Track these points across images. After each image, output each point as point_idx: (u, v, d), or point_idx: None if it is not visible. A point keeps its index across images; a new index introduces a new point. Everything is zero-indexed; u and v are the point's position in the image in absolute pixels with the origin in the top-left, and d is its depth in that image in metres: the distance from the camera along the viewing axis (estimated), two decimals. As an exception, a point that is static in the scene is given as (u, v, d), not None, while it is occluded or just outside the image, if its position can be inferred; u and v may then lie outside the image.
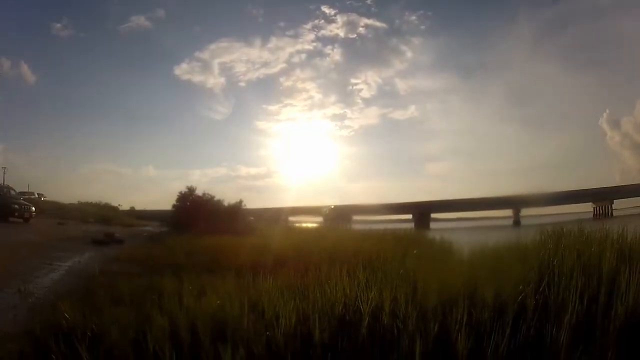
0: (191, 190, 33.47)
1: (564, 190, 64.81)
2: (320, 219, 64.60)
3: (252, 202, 57.93)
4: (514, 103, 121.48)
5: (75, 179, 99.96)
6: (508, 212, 68.00)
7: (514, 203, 65.43)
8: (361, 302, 5.13)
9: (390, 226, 30.46)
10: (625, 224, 8.07)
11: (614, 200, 65.86)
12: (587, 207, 67.68)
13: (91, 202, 57.83)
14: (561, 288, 5.03)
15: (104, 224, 37.38)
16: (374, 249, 12.63)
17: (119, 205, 63.46)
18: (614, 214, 60.90)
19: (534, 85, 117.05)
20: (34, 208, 33.08)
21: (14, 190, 37.01)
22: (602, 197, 66.01)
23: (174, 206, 33.54)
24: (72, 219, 38.37)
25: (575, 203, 64.29)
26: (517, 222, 56.55)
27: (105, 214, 46.66)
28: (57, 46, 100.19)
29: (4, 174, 50.90)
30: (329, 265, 7.39)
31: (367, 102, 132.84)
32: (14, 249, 16.47)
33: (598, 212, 65.77)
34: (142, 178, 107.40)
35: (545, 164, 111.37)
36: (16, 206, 31.07)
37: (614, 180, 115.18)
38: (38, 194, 56.96)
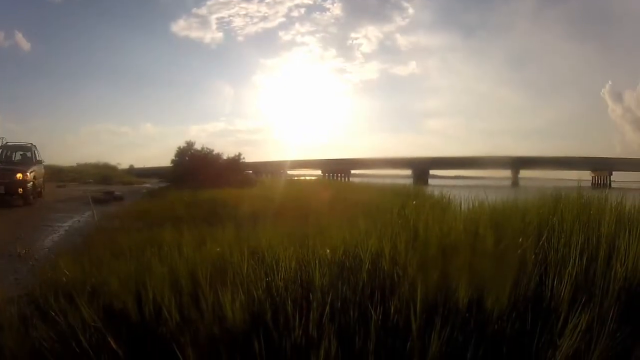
0: (190, 145, 33.34)
1: (563, 155, 64.67)
2: (319, 172, 64.76)
3: (252, 156, 57.66)
4: (514, 66, 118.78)
5: (74, 141, 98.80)
6: (506, 173, 67.78)
7: (513, 164, 65.27)
8: (361, 249, 5.11)
9: (388, 181, 30.60)
10: (623, 194, 8.02)
11: (613, 172, 65.68)
12: (585, 176, 67.35)
13: (90, 163, 57.65)
14: (560, 244, 5.02)
15: (104, 184, 37.57)
16: (373, 200, 12.65)
17: (118, 164, 63.27)
18: (612, 185, 60.77)
19: (536, 50, 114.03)
20: (30, 174, 20.47)
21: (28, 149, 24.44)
22: (603, 166, 65.80)
23: (172, 161, 33.45)
24: (71, 181, 38.51)
25: (575, 170, 63.95)
26: (515, 183, 56.45)
27: (104, 174, 46.68)
28: (50, 11, 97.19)
29: (2, 144, 50.26)
30: (328, 215, 7.38)
31: (367, 57, 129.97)
32: (13, 213, 16.55)
33: (596, 181, 65.53)
34: (140, 136, 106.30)
35: (544, 128, 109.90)
36: None
37: (614, 151, 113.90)
38: (36, 159, 56.48)
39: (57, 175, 40.87)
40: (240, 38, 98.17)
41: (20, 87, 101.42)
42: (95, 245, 8.48)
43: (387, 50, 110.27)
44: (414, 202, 10.92)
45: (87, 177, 43.37)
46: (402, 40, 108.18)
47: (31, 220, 15.07)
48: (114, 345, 3.74)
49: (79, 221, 15.55)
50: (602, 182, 63.45)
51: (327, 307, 3.93)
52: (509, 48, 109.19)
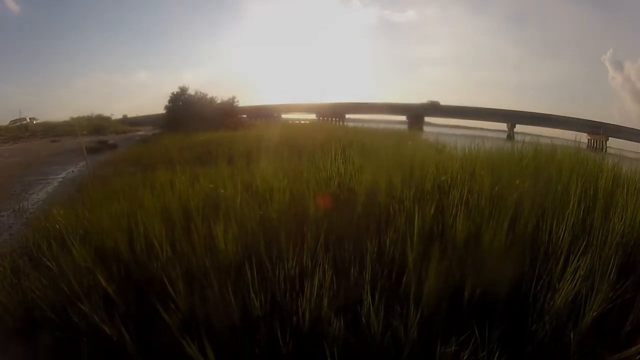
0: (183, 90, 32.85)
1: (560, 114, 64.31)
2: (313, 116, 64.33)
3: (246, 100, 57.01)
4: (516, 21, 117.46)
5: (67, 96, 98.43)
6: (502, 126, 67.44)
7: (509, 117, 64.85)
8: (355, 183, 5.03)
9: (383, 126, 30.49)
10: (620, 159, 7.91)
11: (610, 138, 65.23)
12: (582, 138, 66.44)
13: (83, 116, 57.20)
14: (558, 191, 4.94)
15: (98, 134, 37.22)
16: (367, 141, 12.56)
17: (111, 114, 62.72)
18: (608, 151, 60.42)
19: (539, 8, 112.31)
20: None
21: None
22: (601, 130, 65.31)
23: (166, 107, 33.07)
24: (65, 135, 38.17)
25: (572, 130, 63.50)
26: (510, 136, 56.33)
27: (97, 125, 46.33)
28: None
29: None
30: (322, 152, 7.26)
31: (365, 2, 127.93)
32: (7, 170, 16.39)
33: (592, 144, 65.23)
34: (133, 84, 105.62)
35: (541, 86, 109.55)
36: None
37: (612, 118, 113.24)
38: (30, 118, 56.26)
39: (51, 131, 40.72)
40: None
41: (12, 50, 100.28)
42: (88, 191, 8.40)
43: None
44: (410, 143, 10.85)
45: (81, 130, 42.99)
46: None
47: (25, 175, 14.92)
48: (104, 284, 3.68)
49: (73, 171, 15.44)
50: (598, 145, 63.34)
51: (322, 238, 3.86)
52: (512, 3, 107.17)
